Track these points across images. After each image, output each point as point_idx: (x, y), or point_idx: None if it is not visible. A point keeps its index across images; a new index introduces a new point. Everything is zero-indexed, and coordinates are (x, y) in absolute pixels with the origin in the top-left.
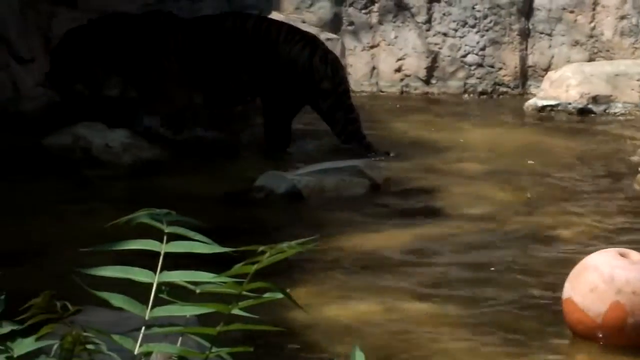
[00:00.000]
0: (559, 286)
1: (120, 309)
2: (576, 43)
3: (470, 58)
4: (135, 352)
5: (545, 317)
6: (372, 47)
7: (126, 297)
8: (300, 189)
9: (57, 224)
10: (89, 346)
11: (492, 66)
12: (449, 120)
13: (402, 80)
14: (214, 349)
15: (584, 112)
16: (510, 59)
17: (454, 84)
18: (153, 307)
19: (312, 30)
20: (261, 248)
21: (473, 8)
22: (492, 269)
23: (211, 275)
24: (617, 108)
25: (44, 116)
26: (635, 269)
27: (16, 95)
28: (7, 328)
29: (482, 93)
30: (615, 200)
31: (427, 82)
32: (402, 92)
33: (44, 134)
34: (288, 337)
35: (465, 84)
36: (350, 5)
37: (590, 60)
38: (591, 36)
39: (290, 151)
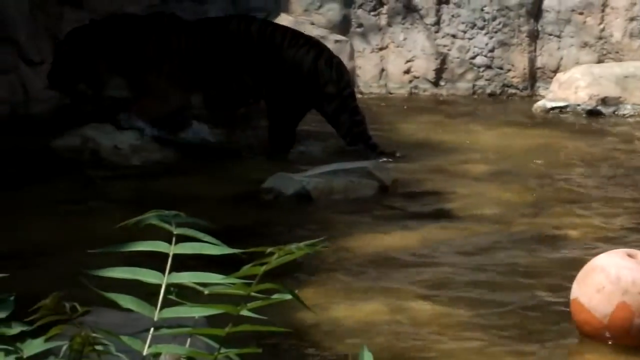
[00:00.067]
0: (566, 287)
1: (128, 310)
2: (585, 44)
3: (479, 60)
4: (144, 353)
5: (553, 318)
6: (381, 49)
7: (135, 298)
8: (309, 191)
9: (65, 225)
10: (98, 347)
11: (500, 68)
12: (458, 121)
13: (410, 82)
14: (222, 350)
15: (593, 113)
16: (519, 61)
17: (463, 86)
18: (161, 308)
19: (321, 32)
20: (270, 249)
21: (482, 10)
22: (499, 270)
23: (220, 276)
24: (626, 110)
25: (53, 118)
26: None
27: (25, 98)
28: (16, 329)
29: (491, 95)
30: (624, 201)
31: (435, 83)
32: (410, 94)
33: (52, 136)
34: (296, 337)
35: (474, 85)
36: (359, 7)
37: (600, 61)
38: (600, 38)
39: (295, 152)
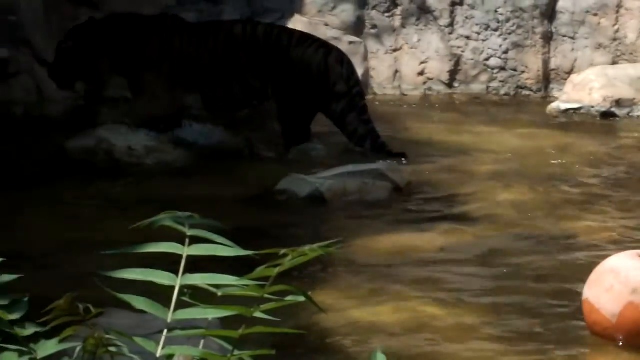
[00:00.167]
0: (577, 292)
1: (142, 311)
2: (599, 46)
3: (493, 61)
4: (158, 354)
5: (567, 322)
6: (394, 50)
7: (148, 300)
8: (323, 192)
9: (78, 226)
10: (111, 348)
11: (514, 69)
12: (471, 123)
13: (424, 83)
14: (236, 352)
15: (607, 115)
16: (533, 62)
17: (477, 87)
18: (175, 309)
19: (335, 33)
20: (283, 251)
21: (496, 11)
22: (512, 274)
23: (233, 278)
24: None
25: (67, 119)
26: None
27: (40, 99)
28: (30, 330)
29: (505, 96)
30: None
31: (449, 85)
32: (424, 95)
33: (66, 137)
34: (309, 339)
35: (487, 87)
36: (373, 8)
37: (614, 63)
38: (615, 39)
39: (306, 154)
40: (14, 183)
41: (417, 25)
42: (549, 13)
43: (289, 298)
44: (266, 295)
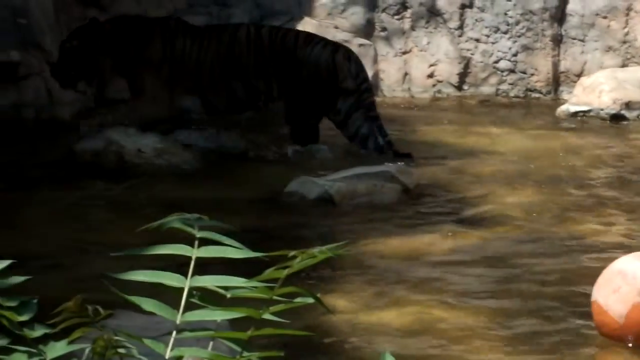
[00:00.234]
0: (586, 294)
1: (151, 313)
2: (609, 49)
3: (502, 64)
4: (167, 356)
5: (576, 324)
6: (404, 52)
7: (157, 302)
8: (332, 195)
9: (86, 228)
10: (121, 350)
11: (524, 72)
12: (481, 125)
13: (434, 85)
14: (245, 354)
15: (616, 118)
16: (542, 65)
17: (486, 90)
18: (184, 311)
19: (345, 36)
20: (292, 253)
21: (505, 14)
22: (521, 277)
23: (242, 280)
24: None
25: (77, 122)
26: None
27: (50, 101)
28: (39, 331)
29: (514, 99)
30: None
31: (459, 87)
32: (434, 98)
33: (76, 139)
34: (318, 342)
35: (497, 89)
36: (383, 11)
37: (624, 65)
38: (624, 42)
39: (314, 157)
40: (24, 185)
41: (426, 28)
42: (559, 16)
43: (298, 300)
44: (275, 297)
